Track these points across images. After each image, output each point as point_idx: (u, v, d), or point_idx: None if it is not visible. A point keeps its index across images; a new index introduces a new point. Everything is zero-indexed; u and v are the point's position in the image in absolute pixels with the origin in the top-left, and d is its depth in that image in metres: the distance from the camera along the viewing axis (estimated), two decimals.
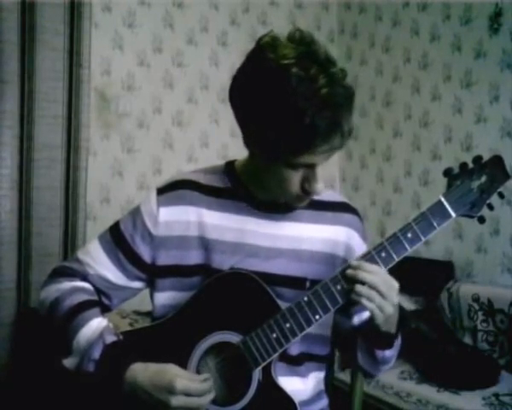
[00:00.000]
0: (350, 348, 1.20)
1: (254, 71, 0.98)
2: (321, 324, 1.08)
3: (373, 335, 1.08)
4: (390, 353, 1.12)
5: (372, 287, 0.99)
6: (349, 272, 1.02)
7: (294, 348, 1.13)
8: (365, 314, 1.15)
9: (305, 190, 1.02)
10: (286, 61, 0.93)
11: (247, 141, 1.05)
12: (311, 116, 0.91)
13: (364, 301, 1.00)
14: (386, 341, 1.09)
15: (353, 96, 0.98)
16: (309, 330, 1.04)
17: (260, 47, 0.98)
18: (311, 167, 1.00)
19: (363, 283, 0.99)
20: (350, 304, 1.08)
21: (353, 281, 1.00)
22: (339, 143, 0.98)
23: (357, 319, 1.19)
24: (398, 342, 1.12)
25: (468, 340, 2.55)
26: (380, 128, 3.41)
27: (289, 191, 1.03)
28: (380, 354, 1.11)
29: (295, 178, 1.01)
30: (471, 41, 2.85)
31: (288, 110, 0.92)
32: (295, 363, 1.14)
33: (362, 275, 1.00)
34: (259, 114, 0.97)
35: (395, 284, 1.02)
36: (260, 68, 0.97)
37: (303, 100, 0.91)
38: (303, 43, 0.97)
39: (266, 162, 1.03)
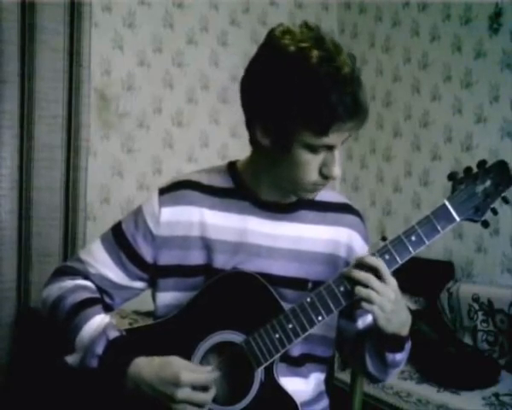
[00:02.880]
0: (357, 353, 1.18)
1: (273, 57, 0.99)
2: (325, 325, 1.07)
3: (382, 337, 1.06)
4: (400, 356, 1.10)
5: (366, 284, 0.98)
6: (344, 270, 1.02)
7: (297, 350, 1.12)
8: (369, 317, 1.15)
9: (324, 175, 1.03)
10: (304, 44, 0.97)
11: (258, 135, 1.03)
12: (338, 93, 0.94)
13: (364, 304, 0.99)
14: (397, 343, 1.07)
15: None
16: (312, 331, 1.04)
17: (275, 35, 1.01)
18: (331, 150, 1.01)
19: (364, 285, 0.99)
20: (353, 307, 1.07)
21: (353, 281, 1.00)
22: (362, 120, 0.99)
23: (362, 323, 1.19)
24: (408, 345, 1.11)
25: (468, 340, 2.55)
26: (380, 128, 3.41)
27: (307, 179, 1.03)
28: (390, 357, 1.09)
29: (314, 163, 1.02)
30: (471, 41, 2.85)
31: (312, 90, 0.95)
32: (297, 364, 1.14)
33: (353, 273, 1.00)
34: (280, 99, 0.97)
35: (392, 281, 1.00)
36: (279, 53, 0.98)
37: (327, 79, 0.94)
38: (313, 30, 1.01)
39: (281, 153, 1.02)
